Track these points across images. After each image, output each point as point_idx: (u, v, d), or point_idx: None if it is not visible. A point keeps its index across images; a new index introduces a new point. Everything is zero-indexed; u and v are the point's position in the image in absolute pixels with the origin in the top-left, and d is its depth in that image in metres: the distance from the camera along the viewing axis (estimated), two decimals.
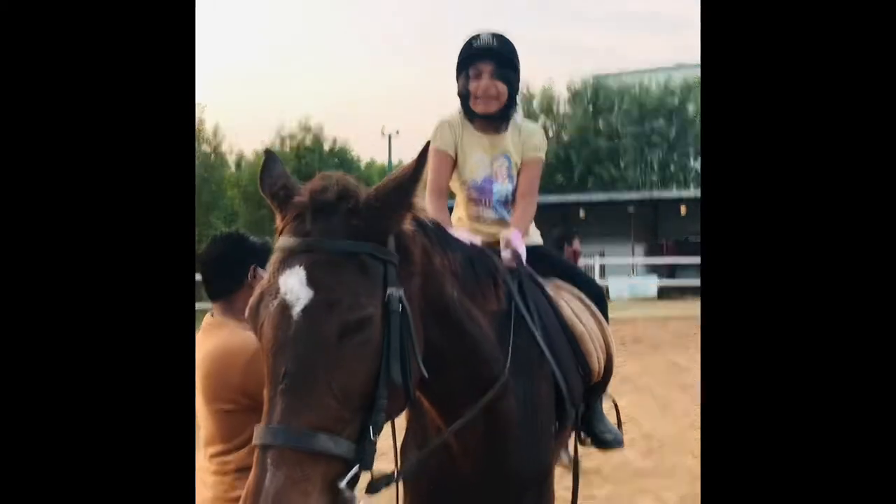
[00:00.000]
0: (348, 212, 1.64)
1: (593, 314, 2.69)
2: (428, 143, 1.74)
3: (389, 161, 41.27)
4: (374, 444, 1.59)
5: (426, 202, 2.75)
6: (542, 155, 2.95)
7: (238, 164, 36.61)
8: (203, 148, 28.64)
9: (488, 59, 2.78)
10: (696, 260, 24.20)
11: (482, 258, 2.17)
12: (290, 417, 1.48)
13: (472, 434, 2.10)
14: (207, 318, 2.55)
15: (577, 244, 6.60)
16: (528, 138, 2.92)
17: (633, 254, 24.87)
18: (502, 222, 2.86)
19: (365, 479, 1.63)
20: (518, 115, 2.98)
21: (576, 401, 2.48)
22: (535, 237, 3.01)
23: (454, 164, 2.89)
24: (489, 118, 2.85)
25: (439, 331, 1.88)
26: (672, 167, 31.83)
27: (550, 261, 2.86)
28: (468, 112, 2.88)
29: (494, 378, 2.04)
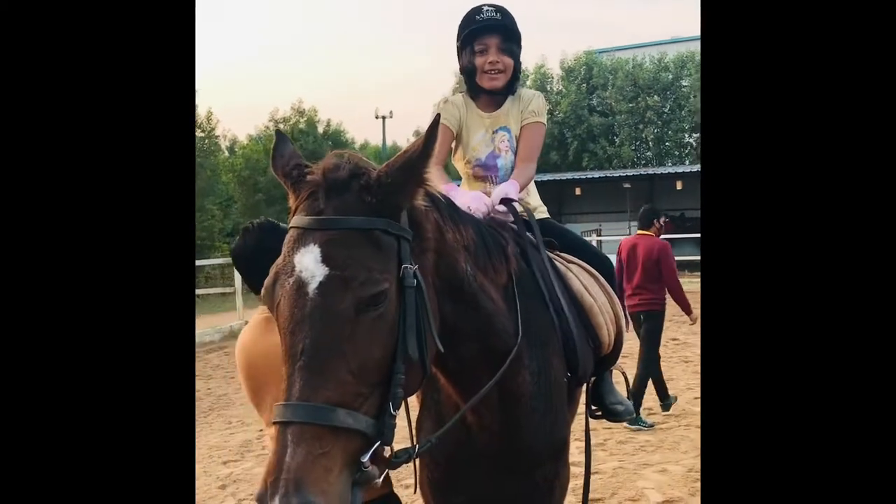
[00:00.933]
0: (361, 188, 1.64)
1: (602, 286, 2.66)
2: (438, 117, 1.73)
3: (384, 143, 41.17)
4: (394, 418, 1.59)
5: None
6: (543, 119, 2.89)
7: (231, 149, 36.44)
8: (196, 133, 28.52)
9: (494, 32, 2.72)
10: (693, 235, 24.31)
11: (492, 231, 2.16)
12: (309, 394, 1.48)
13: (487, 407, 2.10)
14: (261, 309, 2.49)
15: (664, 220, 7.28)
16: (526, 104, 2.86)
17: (629, 230, 24.85)
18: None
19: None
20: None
21: (587, 373, 2.47)
22: (542, 211, 2.98)
23: (455, 140, 2.87)
24: (495, 93, 2.81)
25: (453, 306, 1.87)
26: (667, 142, 31.78)
27: (559, 234, 2.82)
28: (473, 88, 2.84)
29: (508, 351, 2.05)
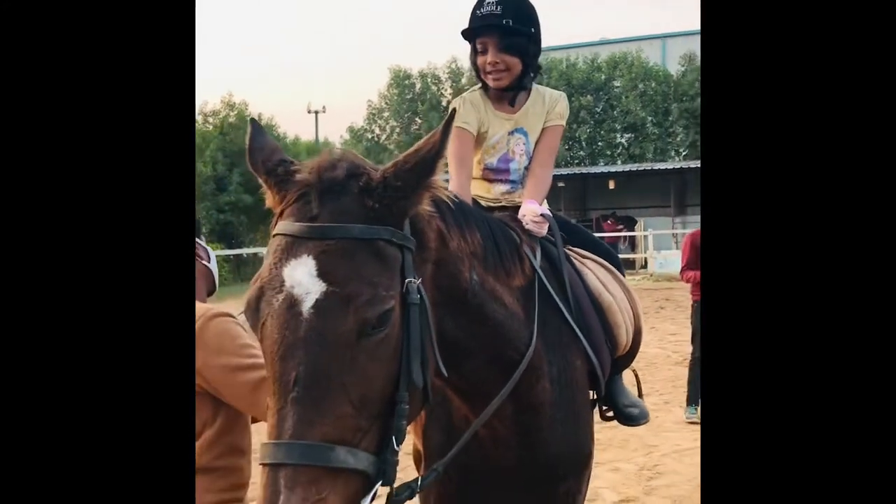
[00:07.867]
0: (361, 191, 1.45)
1: (620, 283, 2.50)
2: (453, 113, 1.56)
3: (317, 138, 40.60)
4: (397, 454, 1.42)
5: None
6: (564, 123, 2.72)
7: None
8: None
9: (491, 30, 2.46)
10: (626, 234, 24.73)
11: (504, 229, 1.99)
12: (304, 430, 1.31)
13: (501, 420, 1.93)
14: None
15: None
16: (552, 105, 2.64)
17: None
18: (515, 192, 2.62)
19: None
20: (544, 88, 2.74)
21: (605, 376, 2.32)
22: (544, 209, 2.80)
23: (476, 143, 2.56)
24: (504, 91, 2.58)
25: (453, 321, 1.70)
26: (600, 142, 32.27)
27: (568, 229, 2.60)
28: (484, 85, 2.60)
29: (522, 358, 1.89)
